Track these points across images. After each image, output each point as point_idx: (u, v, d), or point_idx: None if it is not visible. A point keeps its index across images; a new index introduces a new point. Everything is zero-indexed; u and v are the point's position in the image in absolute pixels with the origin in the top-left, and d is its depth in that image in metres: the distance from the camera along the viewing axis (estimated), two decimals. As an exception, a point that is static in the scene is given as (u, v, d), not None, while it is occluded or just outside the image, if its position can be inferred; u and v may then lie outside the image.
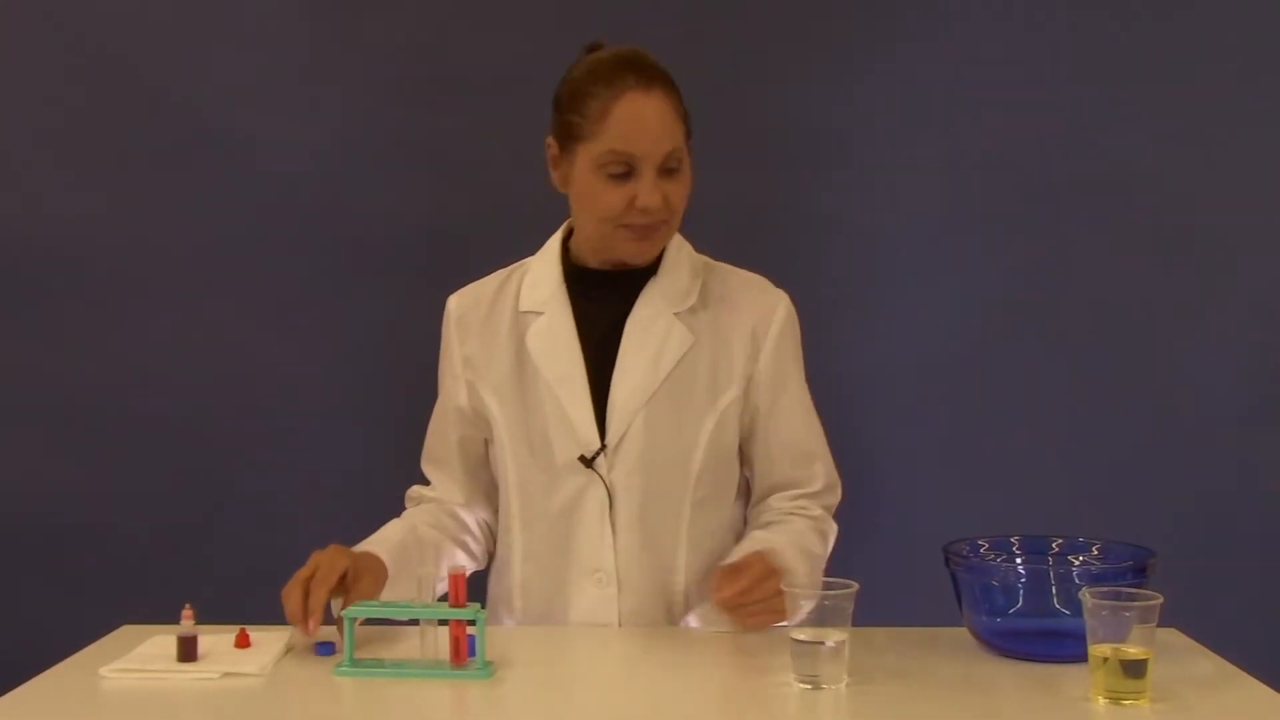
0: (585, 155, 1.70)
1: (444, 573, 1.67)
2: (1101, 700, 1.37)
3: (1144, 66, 2.48)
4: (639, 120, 1.68)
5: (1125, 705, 1.36)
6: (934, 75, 2.49)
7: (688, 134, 1.75)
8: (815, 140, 2.50)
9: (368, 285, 2.51)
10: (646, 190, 1.68)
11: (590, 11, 2.45)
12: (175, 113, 2.51)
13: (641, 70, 1.70)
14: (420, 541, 1.76)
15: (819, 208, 2.51)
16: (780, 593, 1.52)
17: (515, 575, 1.80)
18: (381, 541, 1.72)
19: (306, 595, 1.55)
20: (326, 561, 1.58)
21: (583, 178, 1.72)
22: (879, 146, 2.50)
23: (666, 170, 1.70)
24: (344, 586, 1.59)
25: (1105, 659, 1.37)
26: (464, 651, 1.48)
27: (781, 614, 1.54)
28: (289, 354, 2.52)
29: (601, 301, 1.79)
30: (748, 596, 1.57)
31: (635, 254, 1.75)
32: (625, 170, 1.69)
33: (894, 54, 2.49)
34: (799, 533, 1.75)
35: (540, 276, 1.82)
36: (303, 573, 1.57)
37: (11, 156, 2.53)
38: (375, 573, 1.64)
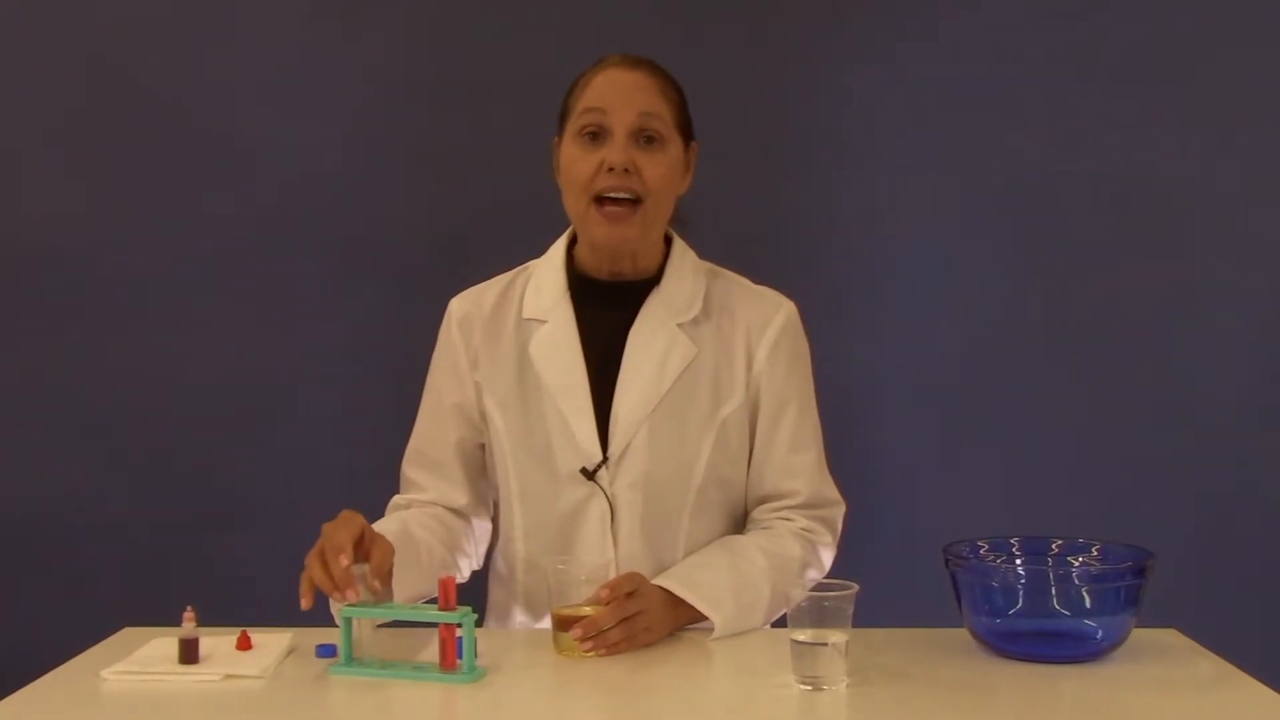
0: (569, 131, 1.75)
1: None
2: None
3: (1144, 66, 2.48)
4: (614, 83, 1.73)
5: None
6: (935, 76, 2.49)
7: (682, 128, 1.77)
8: (816, 143, 2.50)
9: (369, 287, 2.51)
10: (615, 148, 1.70)
11: (591, 13, 2.45)
12: (177, 115, 2.51)
13: (635, 58, 1.76)
14: (413, 541, 1.71)
15: (819, 211, 2.51)
16: (637, 615, 1.56)
17: (518, 584, 1.81)
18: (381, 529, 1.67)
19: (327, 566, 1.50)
20: (337, 530, 1.53)
21: (566, 154, 1.75)
22: (881, 149, 2.50)
23: (645, 140, 1.72)
24: (363, 550, 1.54)
25: None
26: (453, 655, 1.48)
27: (638, 639, 1.57)
28: (290, 355, 2.52)
29: (605, 311, 1.79)
30: (593, 626, 1.55)
31: (608, 237, 1.73)
32: (599, 130, 1.71)
33: (895, 55, 2.49)
34: (751, 544, 1.74)
35: (544, 283, 1.81)
36: (317, 546, 1.52)
37: (13, 159, 2.53)
38: (384, 543, 1.59)
